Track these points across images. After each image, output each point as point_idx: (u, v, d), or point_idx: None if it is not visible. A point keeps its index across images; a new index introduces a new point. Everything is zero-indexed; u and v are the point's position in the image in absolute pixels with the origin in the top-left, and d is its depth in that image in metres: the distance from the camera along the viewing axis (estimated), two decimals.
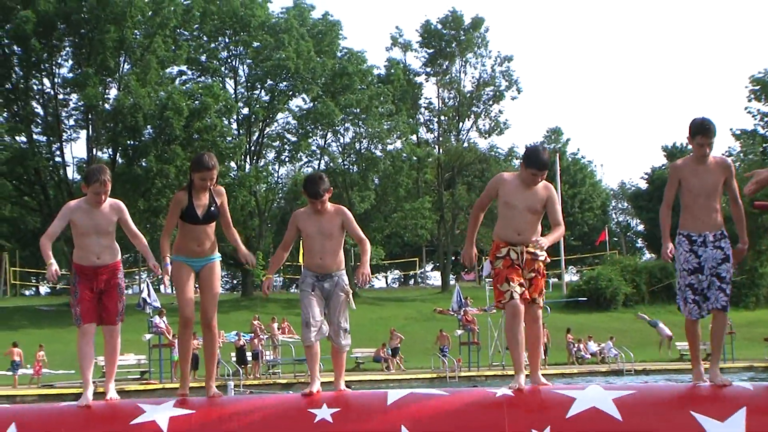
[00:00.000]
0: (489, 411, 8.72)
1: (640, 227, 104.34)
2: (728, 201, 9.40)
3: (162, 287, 57.89)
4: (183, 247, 9.65)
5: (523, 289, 9.33)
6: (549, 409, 8.68)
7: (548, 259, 9.57)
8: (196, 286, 9.72)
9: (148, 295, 38.96)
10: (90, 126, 64.97)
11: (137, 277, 76.14)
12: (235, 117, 71.53)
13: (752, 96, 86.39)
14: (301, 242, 9.80)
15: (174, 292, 9.68)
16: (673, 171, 9.32)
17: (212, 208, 9.59)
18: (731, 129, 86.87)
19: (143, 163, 64.51)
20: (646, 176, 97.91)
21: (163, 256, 9.55)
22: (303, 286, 9.60)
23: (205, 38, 72.30)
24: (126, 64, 66.40)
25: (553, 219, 9.54)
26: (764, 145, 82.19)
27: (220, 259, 9.75)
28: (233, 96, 71.54)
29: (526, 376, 9.37)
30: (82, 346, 9.38)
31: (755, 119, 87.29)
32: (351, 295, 9.70)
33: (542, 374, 9.51)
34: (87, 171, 9.55)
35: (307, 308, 9.51)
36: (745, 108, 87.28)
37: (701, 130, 9.17)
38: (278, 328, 44.07)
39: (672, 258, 9.34)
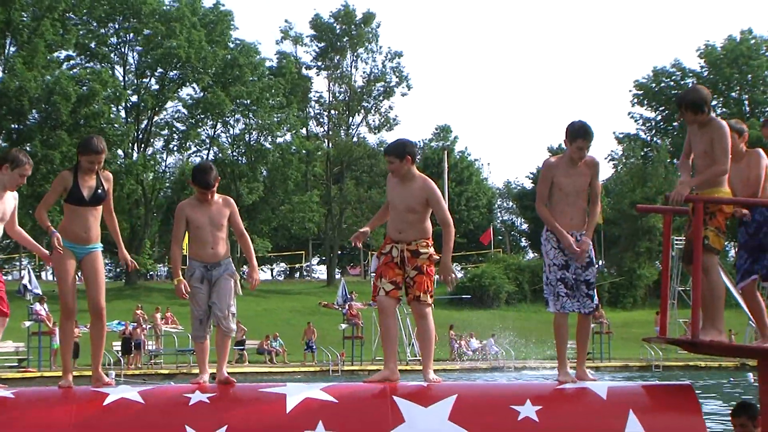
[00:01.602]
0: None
1: (525, 226, 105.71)
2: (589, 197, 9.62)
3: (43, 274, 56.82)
4: (68, 232, 9.42)
5: (393, 286, 9.41)
6: None
7: (436, 256, 9.58)
8: (79, 274, 9.62)
9: (29, 281, 38.37)
10: None
11: (17, 263, 74.76)
12: (123, 104, 70.72)
13: (635, 101, 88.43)
14: (186, 232, 9.77)
15: (55, 279, 9.46)
16: (546, 169, 9.47)
17: (99, 191, 9.44)
18: (614, 132, 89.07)
19: (27, 148, 63.39)
20: (531, 176, 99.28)
21: (47, 225, 9.31)
22: (192, 281, 9.57)
23: (95, 24, 71.25)
24: (12, 46, 65.20)
25: (439, 218, 9.53)
26: (645, 149, 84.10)
27: (103, 249, 9.66)
28: (122, 83, 70.68)
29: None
30: None
31: (638, 123, 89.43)
32: (238, 280, 9.76)
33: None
34: (13, 154, 9.49)
35: (200, 304, 9.55)
36: (629, 113, 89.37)
37: (581, 133, 9.37)
38: (161, 318, 43.77)
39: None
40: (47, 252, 9.71)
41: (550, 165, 9.49)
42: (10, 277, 78.33)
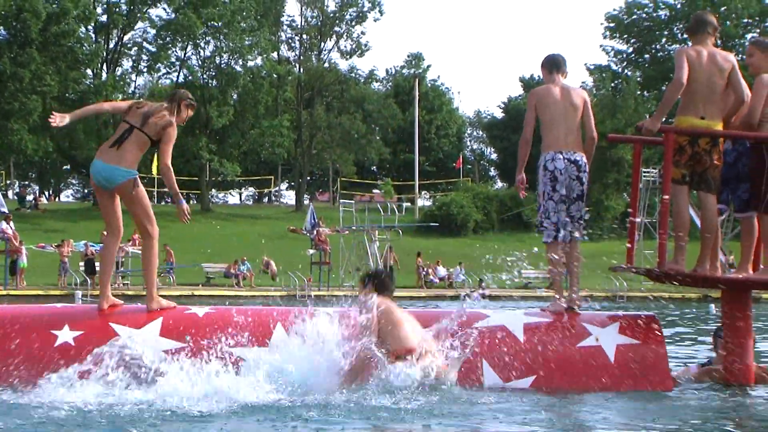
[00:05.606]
0: None
1: (494, 156, 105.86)
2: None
3: None
4: None
5: None
6: None
7: None
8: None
9: None
10: None
11: None
12: (93, 24, 69.80)
13: (607, 33, 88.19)
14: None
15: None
16: None
17: None
18: (585, 64, 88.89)
19: None
20: (502, 105, 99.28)
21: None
22: None
23: None
24: None
25: None
26: (615, 80, 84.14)
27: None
28: (91, 2, 69.61)
29: None
30: None
31: (609, 56, 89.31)
32: None
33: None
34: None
35: None
36: (600, 45, 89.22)
37: None
38: (129, 240, 43.65)
39: None
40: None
41: None
42: None
